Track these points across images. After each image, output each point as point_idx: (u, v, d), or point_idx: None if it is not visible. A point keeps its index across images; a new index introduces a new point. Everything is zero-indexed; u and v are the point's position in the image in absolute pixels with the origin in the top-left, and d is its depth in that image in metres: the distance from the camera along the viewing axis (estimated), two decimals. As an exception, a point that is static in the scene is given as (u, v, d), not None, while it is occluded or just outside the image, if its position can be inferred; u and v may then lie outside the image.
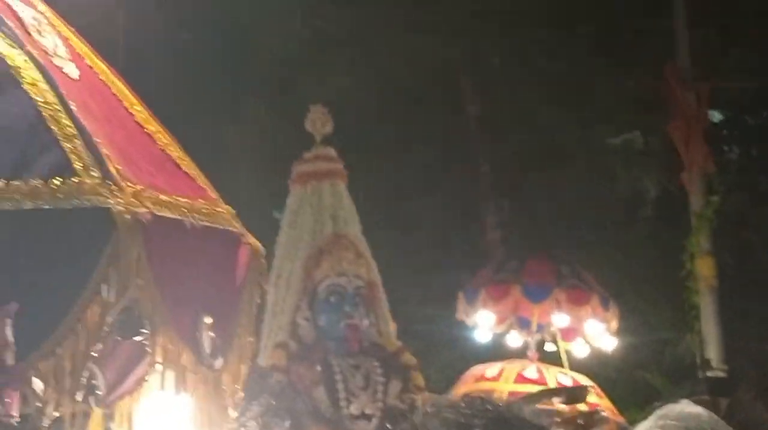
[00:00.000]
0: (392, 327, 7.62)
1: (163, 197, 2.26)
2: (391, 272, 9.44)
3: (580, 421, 7.42)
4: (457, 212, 12.10)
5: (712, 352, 10.27)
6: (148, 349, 2.15)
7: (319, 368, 4.80)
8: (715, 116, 12.15)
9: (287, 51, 11.40)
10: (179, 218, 2.30)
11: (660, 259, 11.16)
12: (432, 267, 11.41)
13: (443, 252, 11.76)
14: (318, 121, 5.56)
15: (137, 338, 2.19)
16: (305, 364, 4.79)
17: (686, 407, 1.91)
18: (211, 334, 2.25)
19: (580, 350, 8.40)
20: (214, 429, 2.24)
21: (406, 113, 11.81)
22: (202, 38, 11.26)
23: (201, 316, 2.29)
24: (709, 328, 10.28)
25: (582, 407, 8.01)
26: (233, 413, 2.32)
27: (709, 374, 10.05)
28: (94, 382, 2.26)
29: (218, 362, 2.29)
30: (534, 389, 7.90)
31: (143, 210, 2.15)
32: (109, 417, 2.43)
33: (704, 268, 10.31)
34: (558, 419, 7.38)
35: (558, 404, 7.72)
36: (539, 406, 7.67)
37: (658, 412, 1.90)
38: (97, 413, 2.38)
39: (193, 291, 2.29)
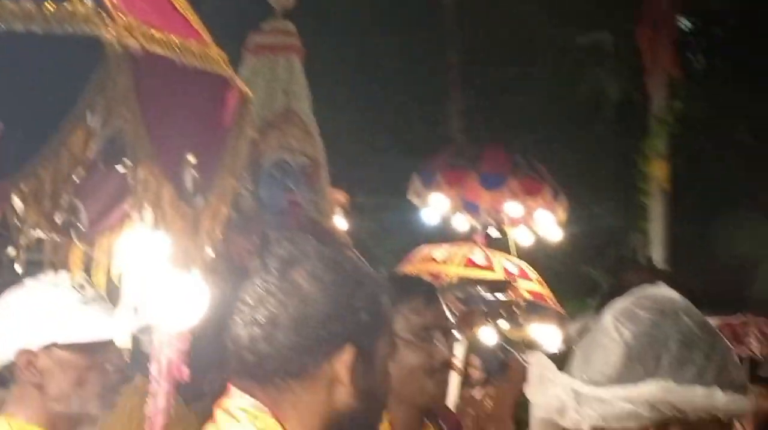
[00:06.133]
0: (344, 202, 7.69)
1: (155, 33, 2.19)
2: (350, 150, 9.60)
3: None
4: (422, 98, 12.16)
5: (656, 253, 10.47)
6: (130, 181, 2.15)
7: (256, 239, 4.99)
8: (683, 24, 12.19)
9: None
10: (170, 56, 2.31)
11: (616, 160, 11.29)
12: (390, 149, 11.50)
13: (403, 136, 11.85)
14: None
15: (119, 168, 2.23)
16: (242, 234, 5.05)
17: (662, 289, 1.89)
18: (194, 173, 2.30)
19: (524, 238, 8.52)
20: (189, 265, 2.34)
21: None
22: None
23: (185, 154, 2.25)
24: (656, 229, 10.47)
25: (525, 295, 8.20)
26: (210, 252, 2.41)
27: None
28: (74, 216, 2.32)
29: (198, 201, 2.34)
30: (483, 274, 8.02)
31: (134, 43, 2.10)
32: (89, 251, 2.47)
33: (657, 170, 10.46)
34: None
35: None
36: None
37: (635, 292, 1.87)
38: (78, 247, 2.43)
39: (179, 130, 2.27)
